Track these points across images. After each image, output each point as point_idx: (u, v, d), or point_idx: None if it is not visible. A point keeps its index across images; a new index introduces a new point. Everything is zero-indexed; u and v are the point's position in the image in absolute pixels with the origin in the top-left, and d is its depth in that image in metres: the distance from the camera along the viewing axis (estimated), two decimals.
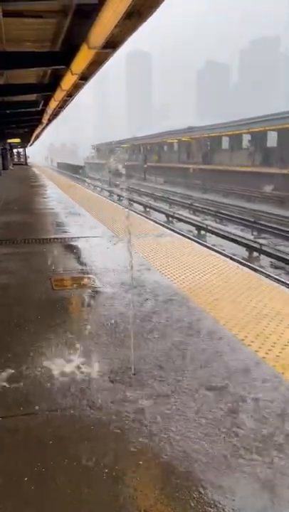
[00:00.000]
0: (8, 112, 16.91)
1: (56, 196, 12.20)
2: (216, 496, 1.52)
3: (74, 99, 16.42)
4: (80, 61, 8.15)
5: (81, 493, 1.54)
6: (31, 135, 34.09)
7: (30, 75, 12.13)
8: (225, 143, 36.95)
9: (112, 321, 3.07)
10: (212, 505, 1.48)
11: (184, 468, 1.64)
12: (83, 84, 12.41)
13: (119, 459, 1.70)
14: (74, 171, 48.27)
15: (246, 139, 33.46)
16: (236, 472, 1.63)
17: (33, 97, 15.14)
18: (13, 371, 2.40)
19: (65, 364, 2.46)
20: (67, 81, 10.22)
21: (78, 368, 2.42)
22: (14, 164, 36.22)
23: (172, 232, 7.58)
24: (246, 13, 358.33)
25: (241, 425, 1.91)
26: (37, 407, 2.06)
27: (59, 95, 12.58)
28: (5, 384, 2.28)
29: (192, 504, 1.48)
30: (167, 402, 2.08)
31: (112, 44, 7.97)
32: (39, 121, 22.56)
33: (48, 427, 1.91)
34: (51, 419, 1.97)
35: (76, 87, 12.47)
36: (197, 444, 1.78)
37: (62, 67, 9.18)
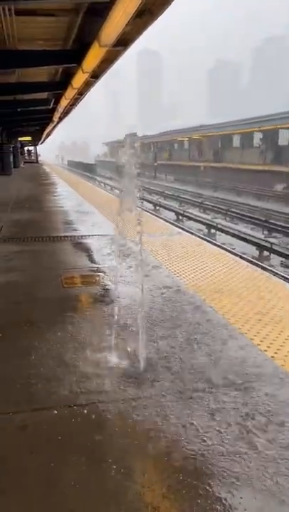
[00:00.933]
0: (19, 110, 17.01)
1: (66, 194, 12.24)
2: None
3: (85, 98, 16.47)
4: (91, 59, 8.17)
5: None
6: (42, 133, 34.27)
7: (41, 73, 12.19)
8: (236, 141, 36.72)
9: (123, 319, 3.08)
10: None
11: None
12: (94, 82, 12.44)
13: None
14: (84, 168, 48.42)
15: (257, 137, 33.20)
16: None
17: (44, 95, 15.20)
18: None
19: None
20: (79, 79, 10.25)
21: None
22: (25, 162, 36.41)
23: (182, 231, 7.56)
24: (251, 11, 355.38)
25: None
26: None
27: (70, 93, 12.62)
28: None
29: None
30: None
31: (123, 42, 7.99)
32: (50, 120, 22.66)
33: None
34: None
35: (87, 85, 12.50)
36: None
37: (74, 65, 9.22)
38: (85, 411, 2.02)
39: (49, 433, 1.86)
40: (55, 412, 2.02)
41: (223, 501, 1.49)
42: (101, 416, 1.97)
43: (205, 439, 1.79)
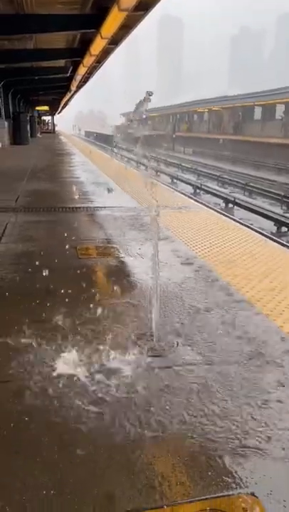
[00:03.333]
0: (36, 78, 16.78)
1: (82, 165, 12.14)
2: None
3: (103, 67, 16.12)
4: (111, 24, 7.94)
5: None
6: (59, 103, 33.89)
7: (59, 40, 11.92)
8: (257, 113, 35.74)
9: (137, 291, 3.06)
10: None
11: None
12: (113, 49, 12.14)
13: None
14: (101, 139, 47.92)
15: (280, 109, 32.22)
16: None
17: (61, 62, 14.93)
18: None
19: None
20: (97, 46, 10.01)
21: None
22: (42, 132, 36.15)
23: (199, 205, 7.46)
24: None
25: None
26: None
27: (88, 61, 12.36)
28: None
29: None
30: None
31: (144, 6, 7.72)
32: (67, 89, 22.33)
33: None
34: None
35: (106, 53, 12.21)
36: None
37: (92, 30, 8.98)
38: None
39: None
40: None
41: None
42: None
43: None
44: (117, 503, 1.27)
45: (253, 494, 1.31)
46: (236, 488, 1.33)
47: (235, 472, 1.40)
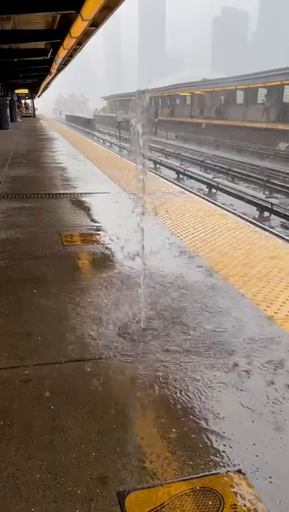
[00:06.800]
0: (15, 60, 16.35)
1: (64, 150, 11.99)
2: None
3: (84, 48, 15.77)
4: (91, 5, 7.76)
5: None
6: (40, 86, 33.12)
7: (38, 21, 11.60)
8: (240, 97, 35.64)
9: (121, 278, 3.09)
10: None
11: None
12: (94, 31, 11.85)
13: None
14: (83, 123, 47.25)
15: (262, 93, 32.18)
16: None
17: (41, 44, 14.56)
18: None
19: None
20: (78, 28, 9.79)
21: None
22: (22, 116, 35.37)
23: (183, 190, 7.47)
24: None
25: None
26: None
27: (69, 43, 12.08)
28: None
29: None
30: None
31: None
32: (48, 71, 21.84)
33: None
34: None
35: (86, 35, 11.94)
36: None
37: (72, 11, 8.75)
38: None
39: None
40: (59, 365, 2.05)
41: None
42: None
43: None
44: None
45: (240, 471, 1.36)
46: None
47: None
